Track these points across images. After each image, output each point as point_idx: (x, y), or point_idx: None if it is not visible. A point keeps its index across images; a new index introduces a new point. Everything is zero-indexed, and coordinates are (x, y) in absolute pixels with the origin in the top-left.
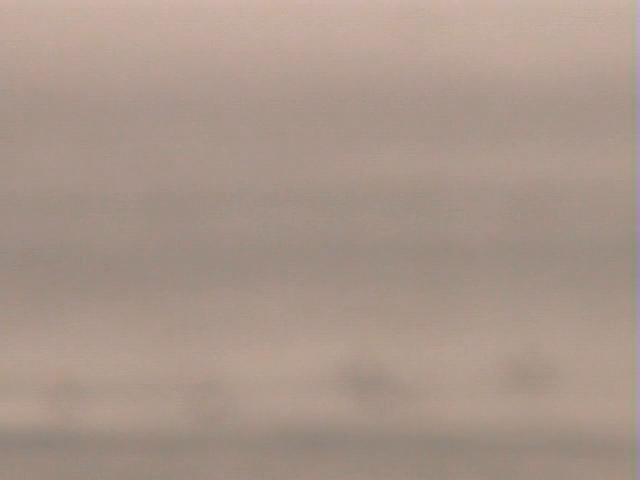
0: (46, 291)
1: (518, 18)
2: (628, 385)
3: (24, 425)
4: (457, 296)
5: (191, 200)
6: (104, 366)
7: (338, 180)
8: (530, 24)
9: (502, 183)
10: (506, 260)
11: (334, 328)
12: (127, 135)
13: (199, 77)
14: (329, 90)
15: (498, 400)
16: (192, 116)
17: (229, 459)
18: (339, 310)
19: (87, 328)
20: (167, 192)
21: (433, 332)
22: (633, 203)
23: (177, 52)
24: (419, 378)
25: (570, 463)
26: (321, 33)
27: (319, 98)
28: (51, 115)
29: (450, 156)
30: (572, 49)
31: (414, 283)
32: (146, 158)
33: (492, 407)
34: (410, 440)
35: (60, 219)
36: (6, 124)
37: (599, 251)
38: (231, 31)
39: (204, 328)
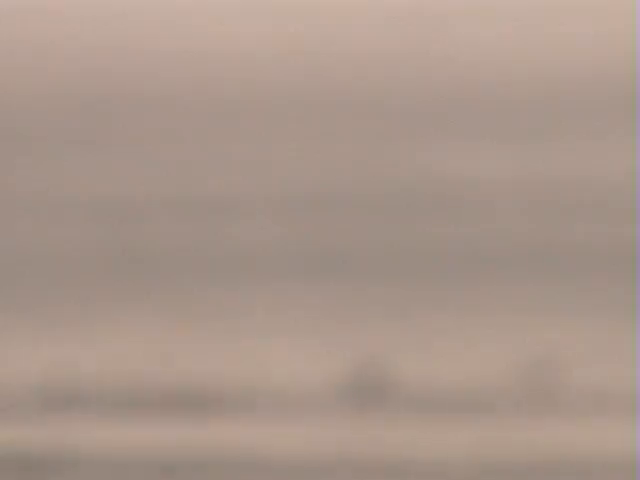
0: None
1: (518, 18)
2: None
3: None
4: (461, 299)
5: (199, 203)
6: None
7: (340, 182)
8: (530, 24)
9: (504, 182)
10: (506, 259)
11: (344, 330)
12: (135, 137)
13: (204, 78)
14: (331, 90)
15: (509, 416)
16: (197, 118)
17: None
18: (346, 314)
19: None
20: (174, 195)
21: (438, 335)
22: (633, 203)
23: (184, 53)
24: (425, 387)
25: None
26: (323, 33)
27: (320, 98)
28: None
29: (451, 155)
30: (572, 49)
31: (418, 284)
32: (152, 160)
33: (502, 422)
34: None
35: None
36: (7, 124)
37: (600, 251)
38: (234, 31)
39: (204, 334)
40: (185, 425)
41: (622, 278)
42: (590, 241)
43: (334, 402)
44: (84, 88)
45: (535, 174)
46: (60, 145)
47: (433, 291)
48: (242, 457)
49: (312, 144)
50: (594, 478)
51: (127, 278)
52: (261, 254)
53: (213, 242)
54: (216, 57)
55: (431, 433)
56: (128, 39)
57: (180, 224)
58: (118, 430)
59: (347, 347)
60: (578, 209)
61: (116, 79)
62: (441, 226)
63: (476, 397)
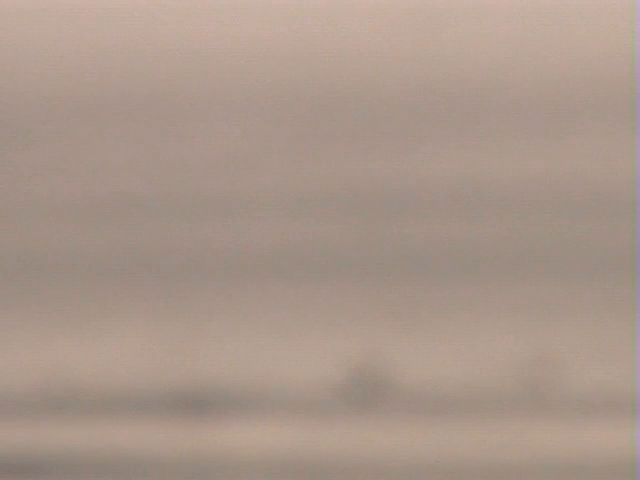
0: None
1: (518, 18)
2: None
3: None
4: (459, 297)
5: (196, 203)
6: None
7: (341, 182)
8: (530, 24)
9: (503, 182)
10: (506, 259)
11: (342, 327)
12: (130, 136)
13: (205, 78)
14: (332, 90)
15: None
16: (197, 118)
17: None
18: (346, 314)
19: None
20: (176, 194)
21: (437, 333)
22: (633, 203)
23: (185, 52)
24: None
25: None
26: (325, 33)
27: (322, 98)
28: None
29: (450, 155)
30: (572, 49)
31: (418, 284)
32: (152, 159)
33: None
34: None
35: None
36: (8, 125)
37: (600, 251)
38: (237, 31)
39: (204, 334)
40: (185, 425)
41: (622, 278)
42: (590, 241)
43: (334, 402)
44: (85, 88)
45: (535, 174)
46: (61, 145)
47: (433, 291)
48: (242, 457)
49: (312, 144)
50: (594, 478)
51: (127, 279)
52: (261, 255)
53: (213, 243)
54: (217, 57)
55: (431, 433)
56: (129, 40)
57: (180, 224)
58: (118, 430)
59: (347, 347)
60: (578, 209)
61: (117, 79)
62: (441, 226)
63: (476, 397)
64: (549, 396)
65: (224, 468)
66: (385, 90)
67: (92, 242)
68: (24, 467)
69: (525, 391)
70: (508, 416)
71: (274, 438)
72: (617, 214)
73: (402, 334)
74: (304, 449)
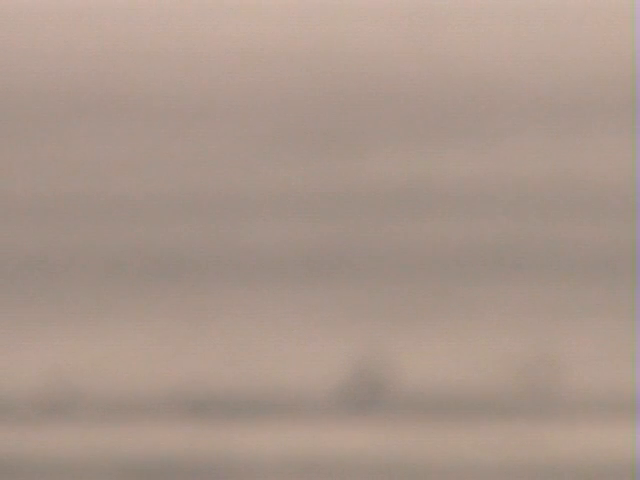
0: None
1: (518, 18)
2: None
3: None
4: (459, 297)
5: (202, 204)
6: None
7: (341, 182)
8: (530, 24)
9: (503, 182)
10: (506, 259)
11: (340, 328)
12: (130, 136)
13: (205, 79)
14: (333, 90)
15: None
16: (198, 117)
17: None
18: (346, 315)
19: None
20: (176, 194)
21: (438, 334)
22: (633, 203)
23: (186, 53)
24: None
25: None
26: (326, 33)
27: (323, 98)
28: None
29: (450, 155)
30: (572, 49)
31: (418, 284)
32: (152, 159)
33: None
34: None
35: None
36: (8, 125)
37: (600, 251)
38: (237, 31)
39: (204, 335)
40: (185, 426)
41: (622, 278)
42: (590, 241)
43: (335, 402)
44: (83, 88)
45: (535, 174)
46: (60, 144)
47: (433, 291)
48: (243, 457)
49: (312, 143)
50: (594, 478)
51: (128, 279)
52: (262, 255)
53: (214, 243)
54: (217, 57)
55: (431, 433)
56: (129, 39)
57: (182, 224)
58: (118, 432)
59: (348, 348)
60: (578, 209)
61: (117, 79)
62: (441, 227)
63: (476, 397)
64: (549, 396)
65: (225, 469)
66: (387, 90)
67: (92, 242)
68: (23, 469)
69: (525, 391)
70: (508, 416)
71: (275, 439)
72: (618, 214)
73: (403, 335)
74: (305, 449)
